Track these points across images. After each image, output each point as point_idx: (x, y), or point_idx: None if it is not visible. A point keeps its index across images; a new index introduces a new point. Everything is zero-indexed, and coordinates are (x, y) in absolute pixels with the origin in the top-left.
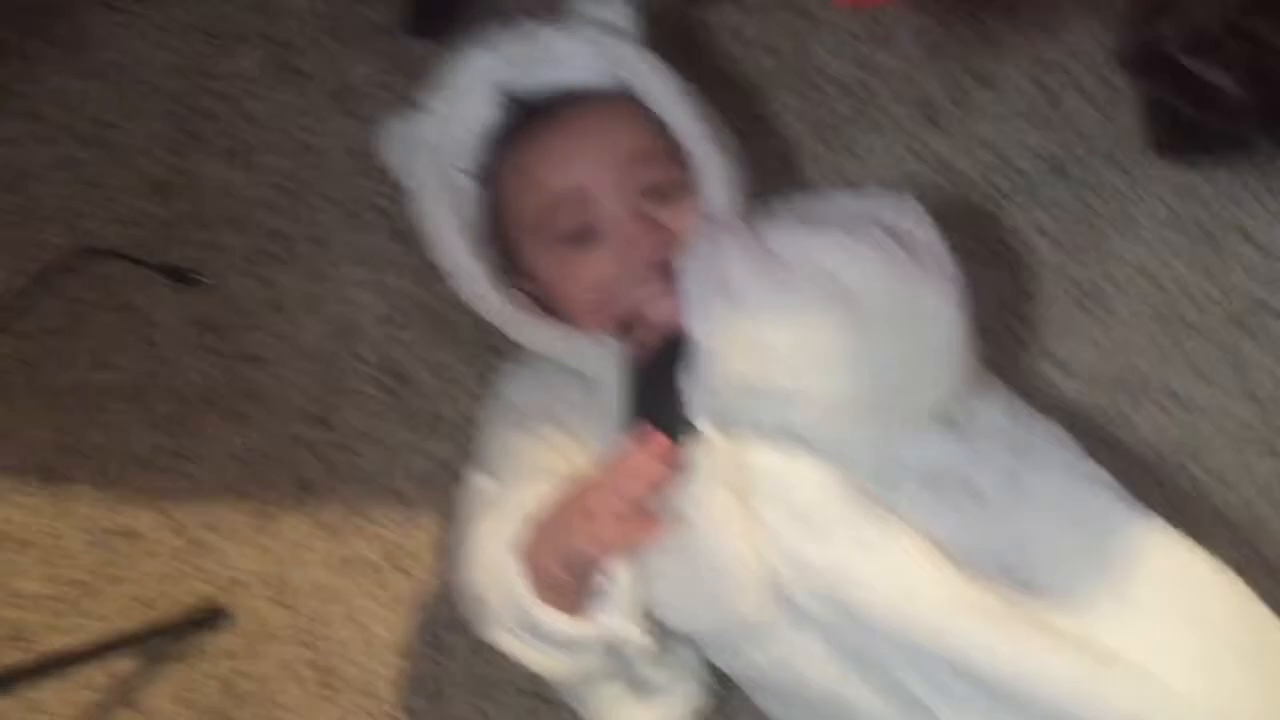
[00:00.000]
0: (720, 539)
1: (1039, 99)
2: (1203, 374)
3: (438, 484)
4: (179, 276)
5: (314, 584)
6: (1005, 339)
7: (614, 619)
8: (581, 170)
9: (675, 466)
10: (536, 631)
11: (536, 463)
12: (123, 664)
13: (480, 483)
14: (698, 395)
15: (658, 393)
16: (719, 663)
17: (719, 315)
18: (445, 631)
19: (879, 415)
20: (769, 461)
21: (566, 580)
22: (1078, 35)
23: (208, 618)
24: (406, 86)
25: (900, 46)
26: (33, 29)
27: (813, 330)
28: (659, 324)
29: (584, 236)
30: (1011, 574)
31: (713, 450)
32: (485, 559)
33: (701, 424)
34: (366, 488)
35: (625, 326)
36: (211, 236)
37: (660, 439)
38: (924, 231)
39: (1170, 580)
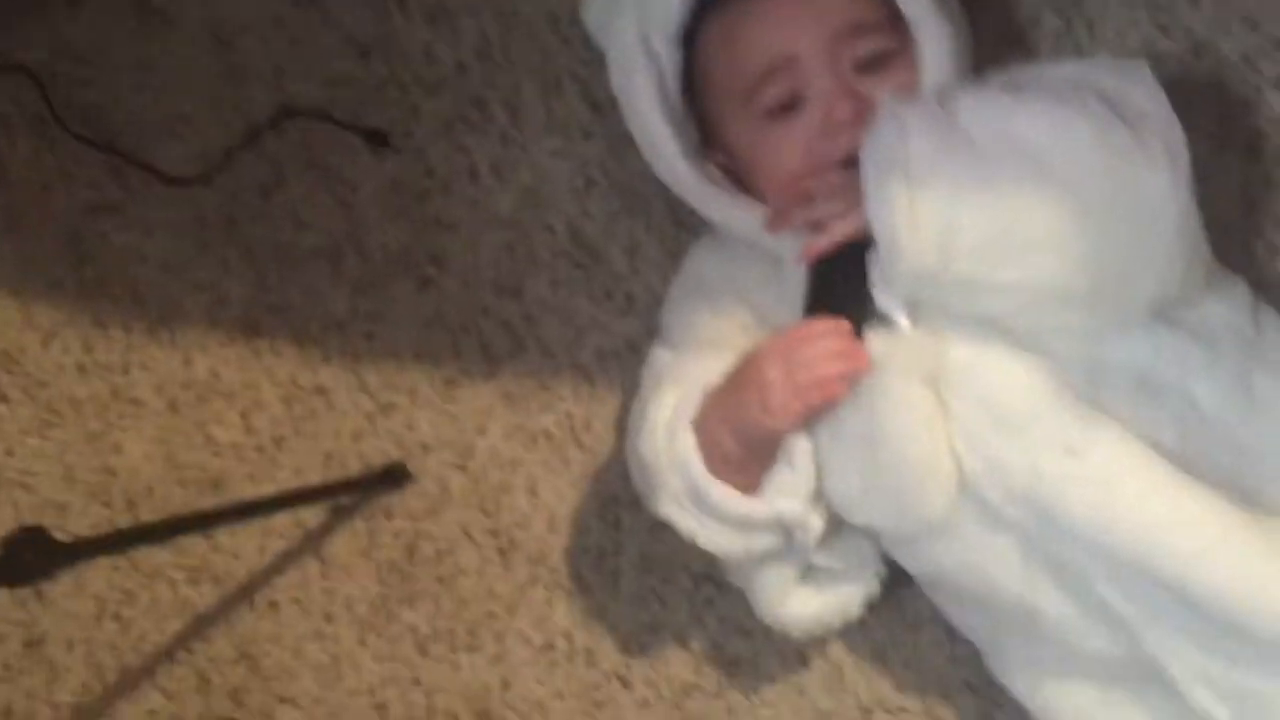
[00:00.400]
0: (909, 431)
1: None
2: None
3: (622, 361)
4: (377, 139)
5: (495, 452)
6: (1250, 238)
7: (789, 501)
8: (793, 37)
9: (859, 351)
10: (707, 507)
11: (718, 336)
12: (311, 515)
13: (660, 354)
14: (885, 287)
15: (844, 279)
16: (897, 558)
17: (899, 201)
18: (622, 510)
19: (1089, 308)
20: (965, 353)
21: (741, 455)
22: None
23: (393, 477)
24: None
25: None
26: None
27: (1009, 213)
28: (836, 239)
29: (789, 107)
30: (1237, 488)
31: (904, 340)
32: (660, 430)
33: (892, 313)
34: (551, 361)
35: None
36: (409, 100)
37: (844, 323)
38: (1152, 102)
39: None
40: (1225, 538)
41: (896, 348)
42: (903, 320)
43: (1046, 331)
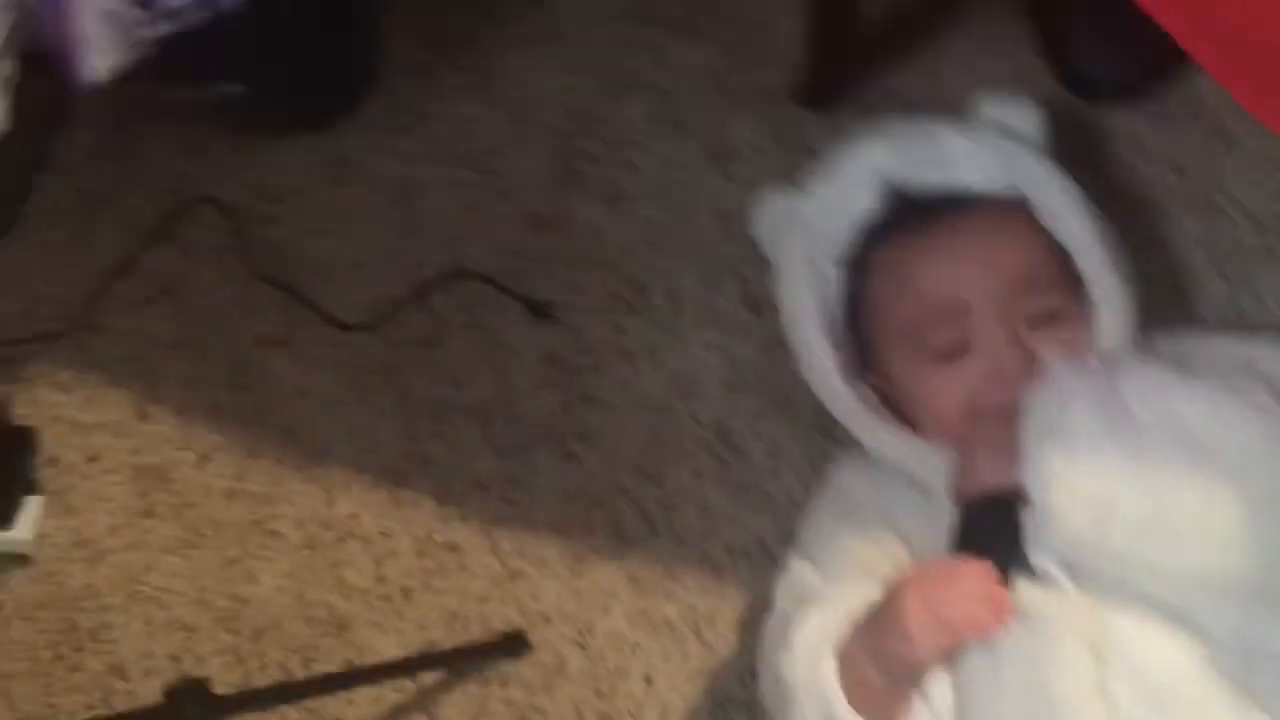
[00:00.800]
0: (1074, 692)
1: None
2: None
3: (753, 559)
4: (538, 310)
5: (616, 634)
6: None
7: None
8: (965, 281)
9: (1004, 598)
10: None
11: (862, 560)
12: (428, 673)
13: (801, 570)
14: (1038, 545)
15: (995, 527)
16: None
17: (1055, 466)
18: (735, 711)
19: (1248, 599)
20: (1122, 624)
21: (881, 686)
22: None
23: (512, 645)
24: (785, 156)
25: None
26: (452, 57)
27: (1168, 495)
28: (989, 487)
29: (954, 353)
30: None
31: (1066, 598)
32: (802, 653)
33: (1050, 571)
34: (681, 550)
35: None
36: (574, 276)
37: (991, 567)
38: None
39: None
40: None
41: (1060, 606)
42: (1064, 579)
43: (1206, 614)
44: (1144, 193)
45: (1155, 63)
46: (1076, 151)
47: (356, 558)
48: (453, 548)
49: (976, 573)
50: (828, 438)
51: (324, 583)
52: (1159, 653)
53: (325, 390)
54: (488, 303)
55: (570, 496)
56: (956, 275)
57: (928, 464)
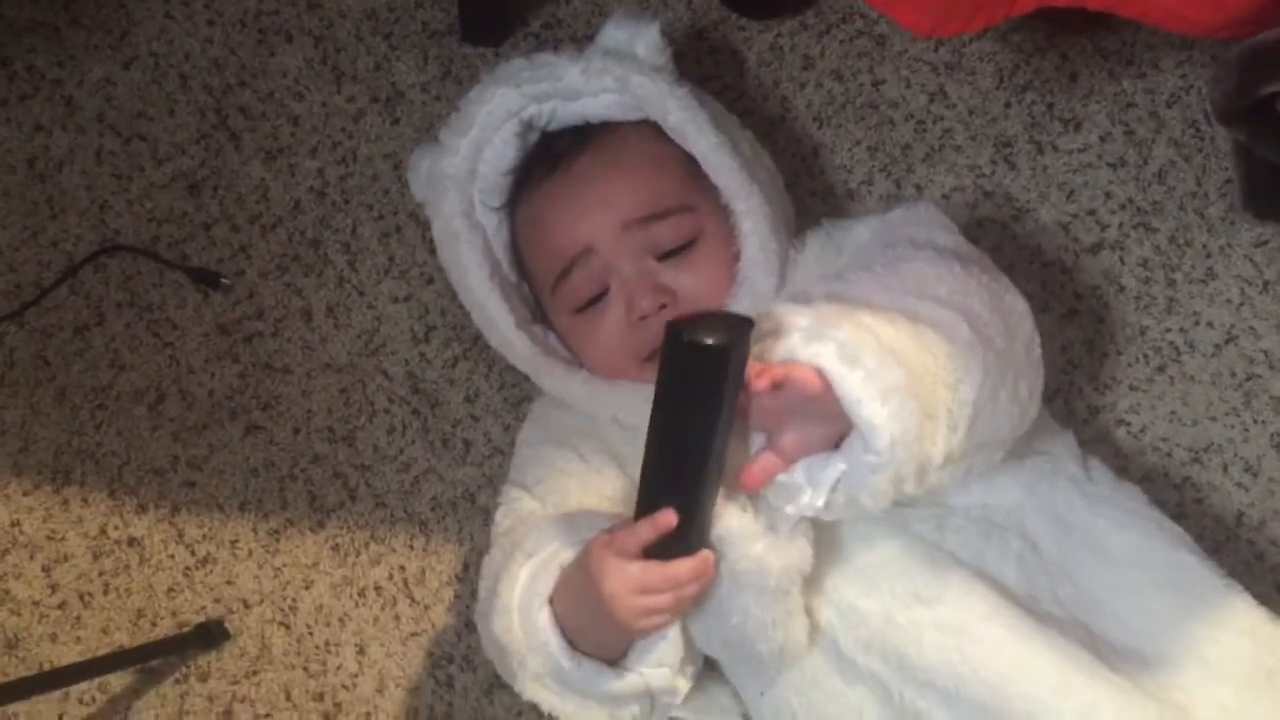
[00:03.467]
0: (755, 627)
1: (1126, 146)
2: None
3: (460, 513)
4: (204, 279)
5: (322, 608)
6: (1074, 399)
7: (658, 671)
8: (587, 225)
9: (707, 567)
10: (572, 684)
11: (577, 479)
12: (117, 679)
13: (517, 498)
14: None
15: (697, 376)
16: (753, 714)
17: (867, 389)
18: (456, 668)
19: (994, 448)
20: (795, 563)
21: (604, 631)
22: (1171, 80)
23: (208, 636)
24: (456, 95)
25: (981, 82)
26: (76, 14)
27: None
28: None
29: (594, 298)
30: (1081, 625)
31: (770, 539)
32: (514, 611)
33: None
34: (383, 511)
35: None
36: (240, 239)
37: (670, 518)
38: (952, 235)
39: (1248, 646)
40: (1068, 682)
41: (767, 560)
42: (786, 528)
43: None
44: (811, 106)
45: None
46: (735, 69)
47: (22, 568)
48: (132, 542)
49: (685, 571)
50: (525, 376)
51: None
52: (852, 526)
53: None
54: (147, 277)
55: (259, 471)
56: (578, 220)
57: (608, 403)
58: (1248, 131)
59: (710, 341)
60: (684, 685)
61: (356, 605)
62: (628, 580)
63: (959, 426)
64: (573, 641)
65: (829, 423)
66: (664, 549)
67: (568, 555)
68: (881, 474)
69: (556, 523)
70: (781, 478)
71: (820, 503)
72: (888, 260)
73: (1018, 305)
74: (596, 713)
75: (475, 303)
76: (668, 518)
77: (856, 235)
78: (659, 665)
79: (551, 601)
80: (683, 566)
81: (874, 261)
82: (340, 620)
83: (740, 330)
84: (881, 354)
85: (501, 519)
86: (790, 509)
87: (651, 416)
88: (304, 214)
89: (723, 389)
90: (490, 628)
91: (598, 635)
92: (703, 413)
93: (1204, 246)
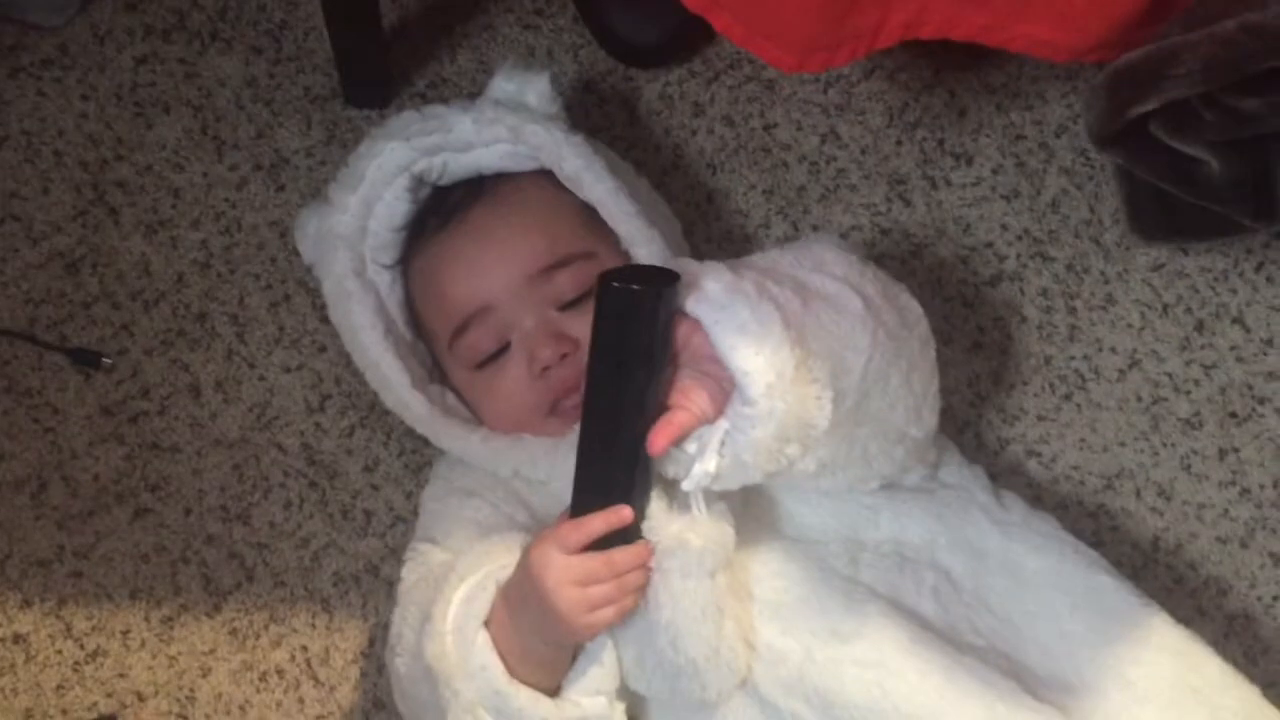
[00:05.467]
0: (686, 625)
1: (1018, 177)
2: (1191, 469)
3: (363, 584)
4: (85, 360)
5: (221, 696)
6: (984, 431)
7: (594, 700)
8: (484, 282)
9: (645, 554)
10: (508, 715)
11: (488, 526)
12: None
13: (426, 552)
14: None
15: (620, 464)
16: None
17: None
18: None
19: (883, 440)
20: (716, 539)
21: (545, 654)
22: (1058, 110)
23: None
24: (340, 158)
25: (871, 121)
26: None
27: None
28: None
29: (493, 354)
30: (1002, 654)
31: (697, 526)
32: (449, 634)
33: (695, 496)
34: (285, 591)
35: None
36: (124, 317)
37: (626, 512)
38: (845, 263)
39: (1171, 665)
40: (992, 712)
41: (686, 537)
42: (699, 506)
43: (824, 493)
44: (703, 152)
45: (689, 19)
46: (626, 118)
47: None
48: (17, 639)
49: (630, 558)
50: (426, 444)
51: None
52: (764, 564)
53: None
54: (25, 361)
55: (149, 556)
56: (474, 277)
57: (510, 458)
58: (1125, 154)
59: (637, 287)
60: (619, 717)
61: (258, 690)
62: (570, 571)
63: (846, 395)
64: (510, 670)
65: (728, 388)
66: (601, 542)
67: (503, 575)
68: (762, 427)
69: (489, 546)
70: (673, 450)
71: (710, 467)
72: (785, 247)
73: (913, 306)
74: None
75: (369, 363)
76: (623, 512)
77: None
78: (595, 694)
79: (487, 625)
80: (622, 553)
81: (771, 250)
82: (241, 708)
83: (667, 279)
84: (759, 304)
85: (408, 575)
86: (685, 483)
87: (586, 384)
88: (188, 287)
89: (653, 338)
90: (422, 654)
91: (537, 650)
92: (634, 367)
93: (1102, 273)
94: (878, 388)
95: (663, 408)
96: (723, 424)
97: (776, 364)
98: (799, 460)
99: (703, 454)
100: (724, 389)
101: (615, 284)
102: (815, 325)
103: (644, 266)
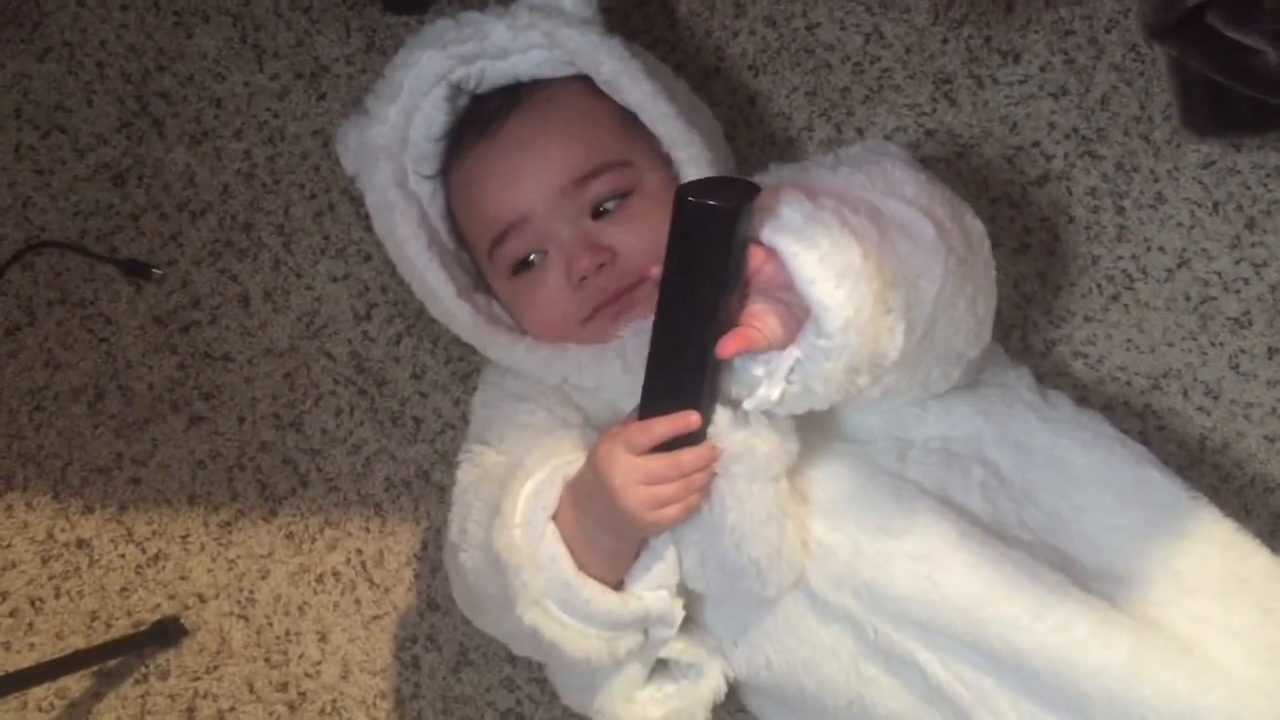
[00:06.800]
0: (751, 523)
1: (1066, 74)
2: (1240, 368)
3: (415, 491)
4: (136, 270)
5: (280, 598)
6: (1030, 333)
7: (657, 595)
8: (519, 191)
9: (711, 455)
10: (575, 607)
11: (544, 430)
12: (75, 683)
13: (482, 454)
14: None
15: (687, 370)
16: (728, 659)
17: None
18: (421, 650)
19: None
20: (781, 445)
21: (612, 548)
22: (1108, 3)
23: (165, 634)
24: (381, 65)
25: (916, 19)
26: None
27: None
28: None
29: (532, 262)
30: (1050, 547)
31: (759, 436)
32: (518, 526)
33: (757, 408)
34: (338, 496)
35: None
36: (172, 228)
37: (692, 416)
38: (912, 162)
39: (1219, 556)
40: (1042, 602)
41: (753, 443)
42: (762, 417)
43: (879, 402)
44: (745, 53)
45: None
46: (665, 21)
47: None
48: (81, 544)
49: (697, 457)
50: (471, 347)
51: None
52: (815, 465)
53: None
54: (77, 273)
55: (205, 463)
56: (510, 189)
57: (557, 368)
58: (1179, 46)
59: (714, 203)
60: (680, 612)
61: (315, 592)
62: (635, 471)
63: (917, 325)
64: (577, 563)
65: (800, 315)
66: (666, 446)
67: (570, 470)
68: (835, 360)
69: (555, 442)
70: (738, 363)
71: (775, 394)
72: (854, 163)
73: (977, 226)
74: (595, 642)
75: (415, 274)
76: (691, 418)
77: (820, 171)
78: (658, 588)
79: (554, 519)
80: (689, 454)
81: (839, 164)
82: (299, 609)
83: (746, 194)
84: (839, 236)
85: (464, 476)
86: (748, 402)
87: (660, 293)
88: (234, 198)
89: (728, 254)
90: (491, 546)
91: (603, 544)
92: (708, 280)
93: (1151, 171)
94: (946, 314)
95: (734, 324)
96: (794, 352)
97: (856, 299)
98: (867, 389)
99: (771, 378)
100: (796, 316)
101: (691, 199)
102: (892, 255)
103: (723, 178)
